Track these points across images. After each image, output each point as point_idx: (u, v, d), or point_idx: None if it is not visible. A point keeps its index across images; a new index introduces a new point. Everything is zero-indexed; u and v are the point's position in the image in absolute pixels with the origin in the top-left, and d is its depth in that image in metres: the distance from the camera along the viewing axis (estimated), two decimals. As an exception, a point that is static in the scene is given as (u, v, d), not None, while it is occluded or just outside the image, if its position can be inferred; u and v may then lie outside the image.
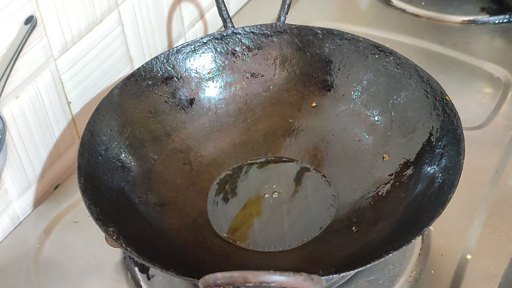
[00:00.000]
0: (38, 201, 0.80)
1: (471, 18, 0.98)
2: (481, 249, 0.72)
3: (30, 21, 0.71)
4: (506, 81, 0.90)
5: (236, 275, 0.51)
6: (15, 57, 0.70)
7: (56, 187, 0.82)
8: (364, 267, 0.59)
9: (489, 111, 0.87)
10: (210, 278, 0.52)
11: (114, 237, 0.63)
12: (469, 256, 0.71)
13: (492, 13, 0.98)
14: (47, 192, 0.81)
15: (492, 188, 0.78)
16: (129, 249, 0.62)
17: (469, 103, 0.88)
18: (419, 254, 0.71)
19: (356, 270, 0.60)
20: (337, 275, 0.59)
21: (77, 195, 0.79)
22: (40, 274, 0.73)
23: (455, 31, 0.98)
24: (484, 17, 0.98)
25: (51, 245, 0.76)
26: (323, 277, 0.53)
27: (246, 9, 1.06)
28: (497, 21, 0.97)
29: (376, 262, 0.59)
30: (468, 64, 0.93)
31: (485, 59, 0.93)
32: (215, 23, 1.00)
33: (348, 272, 0.62)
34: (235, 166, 0.79)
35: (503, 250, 0.72)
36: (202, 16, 0.98)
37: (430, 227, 0.71)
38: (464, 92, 0.89)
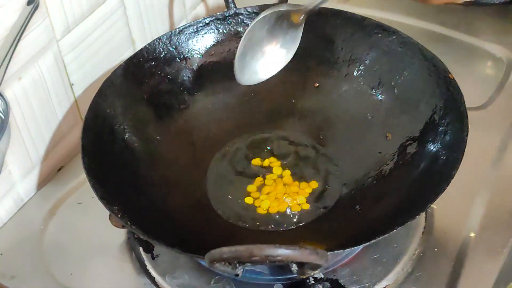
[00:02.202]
0: (42, 183, 0.81)
1: (473, -1, 0.98)
2: (484, 227, 0.72)
3: (33, 2, 0.71)
4: (508, 61, 0.90)
5: (241, 249, 0.51)
6: (17, 38, 0.70)
7: (59, 169, 0.83)
8: (368, 243, 0.60)
9: (491, 92, 0.87)
10: (216, 252, 0.52)
11: (119, 216, 0.63)
12: (472, 234, 0.71)
13: (494, -6, 0.98)
14: (51, 174, 0.82)
15: (495, 167, 0.78)
16: (134, 227, 0.62)
17: (471, 84, 0.87)
18: (423, 232, 0.72)
19: (361, 246, 0.60)
20: (341, 250, 0.60)
21: (81, 176, 0.79)
22: (44, 256, 0.73)
23: (458, 12, 0.97)
24: (486, -2, 0.98)
25: (55, 227, 0.76)
26: (328, 252, 0.53)
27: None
28: (499, 2, 0.96)
29: (380, 238, 0.60)
30: (470, 45, 0.93)
31: (487, 40, 0.93)
32: (216, 6, 1.00)
33: (352, 248, 0.62)
34: (237, 147, 0.79)
35: (506, 228, 0.72)
36: (203, -2, 0.98)
37: (433, 206, 0.71)
38: (466, 73, 0.89)
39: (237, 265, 0.55)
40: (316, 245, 0.63)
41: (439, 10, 0.98)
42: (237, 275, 0.56)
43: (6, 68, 0.70)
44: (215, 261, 0.53)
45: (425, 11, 0.99)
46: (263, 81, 0.82)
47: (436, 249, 0.70)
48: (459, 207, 0.74)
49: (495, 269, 0.68)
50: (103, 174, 0.68)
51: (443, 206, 0.73)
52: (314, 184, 0.74)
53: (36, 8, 0.71)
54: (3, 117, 0.72)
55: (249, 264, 0.58)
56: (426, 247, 0.70)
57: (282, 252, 0.50)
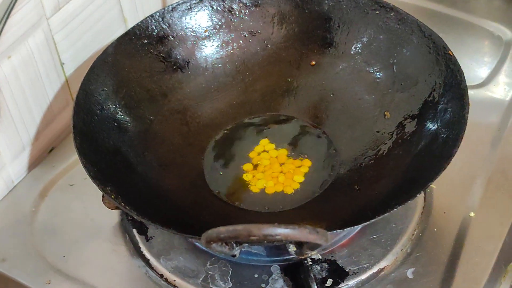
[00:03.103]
0: (33, 164, 0.79)
1: (470, -25, 0.96)
2: (484, 206, 0.71)
3: (22, -22, 0.69)
4: (506, 39, 0.89)
5: (239, 228, 0.49)
6: (6, 15, 0.69)
7: (50, 150, 0.81)
8: (368, 222, 0.58)
9: (490, 70, 0.86)
10: (213, 232, 0.51)
11: (112, 196, 0.61)
12: (472, 214, 0.71)
13: (491, -30, 0.97)
14: (42, 155, 0.80)
15: (495, 147, 0.77)
16: (127, 207, 0.61)
17: (470, 62, 0.87)
18: (422, 212, 0.71)
19: (361, 225, 0.59)
20: (341, 230, 0.58)
21: (72, 158, 0.78)
22: (36, 238, 0.72)
23: (454, -11, 0.97)
24: (484, -25, 0.96)
25: (46, 209, 0.75)
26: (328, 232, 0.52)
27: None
28: (497, -21, 0.95)
29: (380, 217, 0.58)
30: (468, 23, 0.92)
31: (485, 18, 0.92)
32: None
33: (352, 227, 0.61)
34: (232, 126, 0.78)
35: (506, 207, 0.71)
36: (196, -24, 0.96)
37: (432, 186, 0.70)
38: (464, 51, 0.88)
39: (235, 245, 0.54)
40: (314, 225, 0.62)
41: (436, -12, 0.97)
42: (234, 255, 0.55)
43: (-5, 45, 0.69)
44: (212, 241, 0.51)
45: (422, -11, 0.98)
46: (258, 60, 0.81)
47: (435, 229, 0.69)
48: (459, 186, 0.73)
49: (495, 249, 0.68)
50: (95, 154, 0.67)
51: (443, 186, 0.72)
52: (311, 164, 0.73)
53: (25, -16, 0.70)
54: (-8, 96, 0.71)
55: (247, 244, 0.57)
56: (425, 227, 0.70)
57: (282, 231, 0.49)
